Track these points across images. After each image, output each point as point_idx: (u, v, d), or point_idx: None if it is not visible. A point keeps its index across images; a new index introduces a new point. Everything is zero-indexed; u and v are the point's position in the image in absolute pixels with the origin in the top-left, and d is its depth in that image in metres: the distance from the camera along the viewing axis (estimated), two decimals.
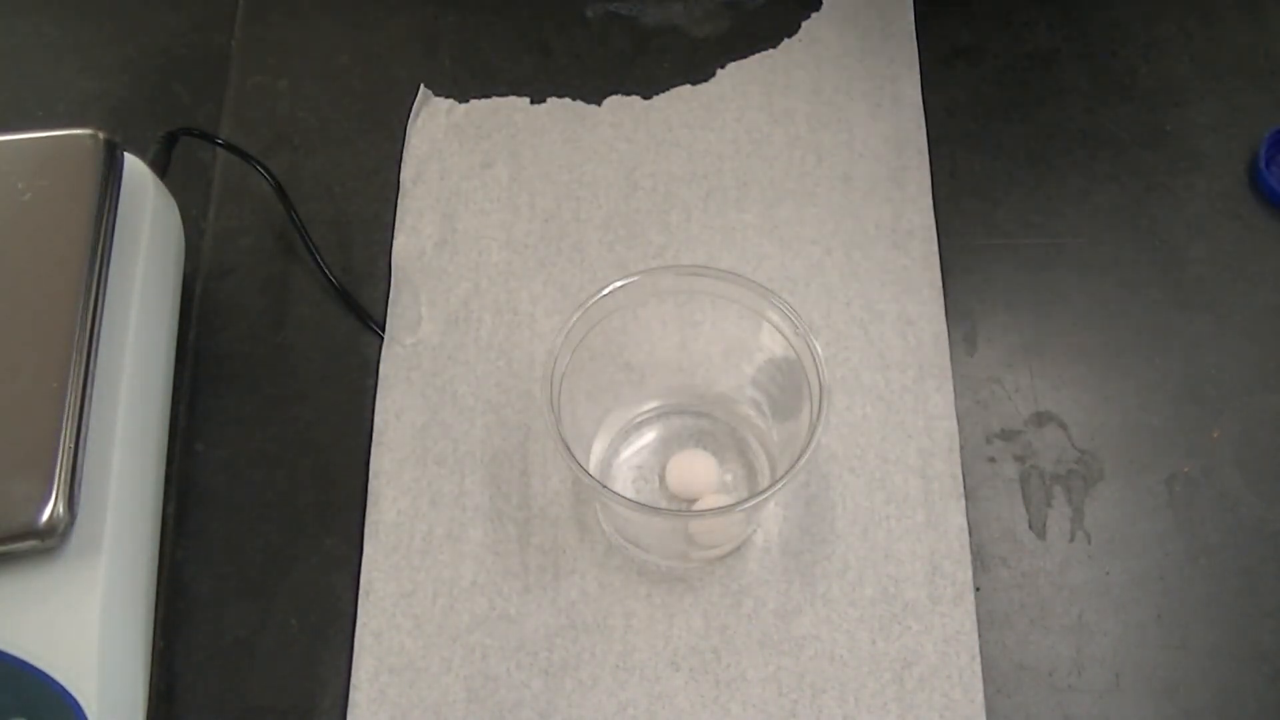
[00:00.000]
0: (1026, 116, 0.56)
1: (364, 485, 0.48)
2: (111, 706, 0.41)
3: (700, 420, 0.49)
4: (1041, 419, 0.49)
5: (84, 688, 0.40)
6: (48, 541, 0.39)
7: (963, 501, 0.47)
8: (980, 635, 0.45)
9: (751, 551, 0.47)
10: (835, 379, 0.50)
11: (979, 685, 0.44)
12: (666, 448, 0.48)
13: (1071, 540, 0.47)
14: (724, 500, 0.46)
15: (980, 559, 0.47)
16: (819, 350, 0.40)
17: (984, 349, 0.51)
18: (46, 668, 0.39)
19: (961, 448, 0.48)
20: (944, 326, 0.51)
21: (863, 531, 0.47)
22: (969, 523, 0.47)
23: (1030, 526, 0.47)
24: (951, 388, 0.50)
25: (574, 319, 0.41)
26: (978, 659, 0.45)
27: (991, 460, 0.49)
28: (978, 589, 0.46)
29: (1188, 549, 0.47)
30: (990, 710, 0.44)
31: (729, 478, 0.47)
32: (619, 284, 0.41)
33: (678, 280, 0.42)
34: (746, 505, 0.40)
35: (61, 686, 0.39)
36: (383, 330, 0.51)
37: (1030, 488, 0.48)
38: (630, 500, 0.38)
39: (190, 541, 0.48)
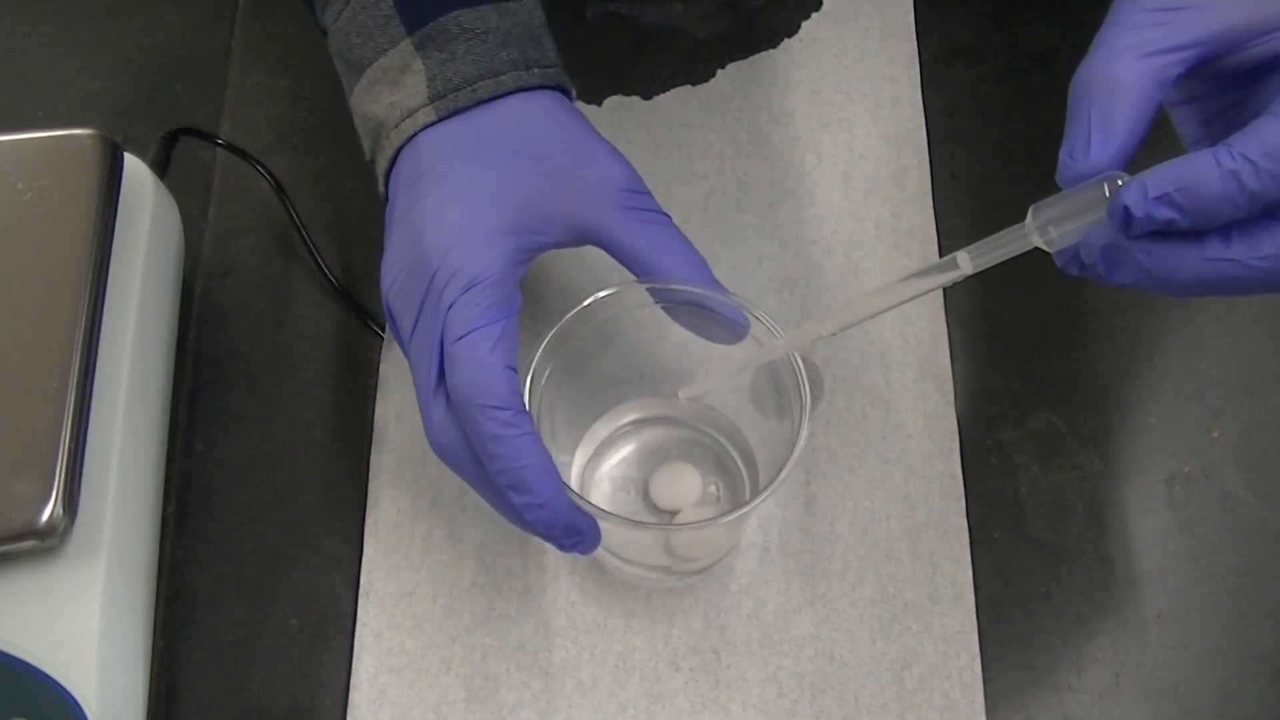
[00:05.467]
0: (1026, 116, 0.56)
1: (364, 485, 0.48)
2: (111, 706, 0.41)
3: (683, 431, 0.48)
4: (1041, 419, 0.49)
5: (84, 688, 0.40)
6: (48, 541, 0.39)
7: (963, 501, 0.47)
8: (980, 635, 0.45)
9: (751, 551, 0.47)
10: (835, 379, 0.50)
11: (979, 685, 0.44)
12: (649, 459, 0.48)
13: (1071, 540, 0.47)
14: (706, 513, 0.46)
15: (980, 558, 0.47)
16: (801, 364, 0.40)
17: (983, 349, 0.51)
18: (46, 668, 0.39)
19: (961, 448, 0.48)
20: (944, 326, 0.51)
21: (863, 531, 0.47)
22: (969, 523, 0.47)
23: (1030, 527, 0.47)
24: (951, 388, 0.50)
25: (551, 333, 0.40)
26: (978, 659, 0.45)
27: (991, 460, 0.49)
28: (978, 589, 0.46)
29: (1188, 549, 0.47)
30: (990, 710, 0.44)
31: (712, 489, 0.47)
32: (602, 294, 0.41)
33: (654, 294, 0.42)
34: (727, 519, 0.39)
35: (61, 686, 0.39)
36: (383, 330, 0.51)
37: (1030, 488, 0.48)
38: (609, 513, 0.38)
39: (190, 541, 0.48)
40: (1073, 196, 0.33)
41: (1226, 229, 0.31)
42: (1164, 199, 0.31)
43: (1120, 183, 0.32)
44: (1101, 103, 0.33)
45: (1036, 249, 0.35)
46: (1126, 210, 0.31)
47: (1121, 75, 0.33)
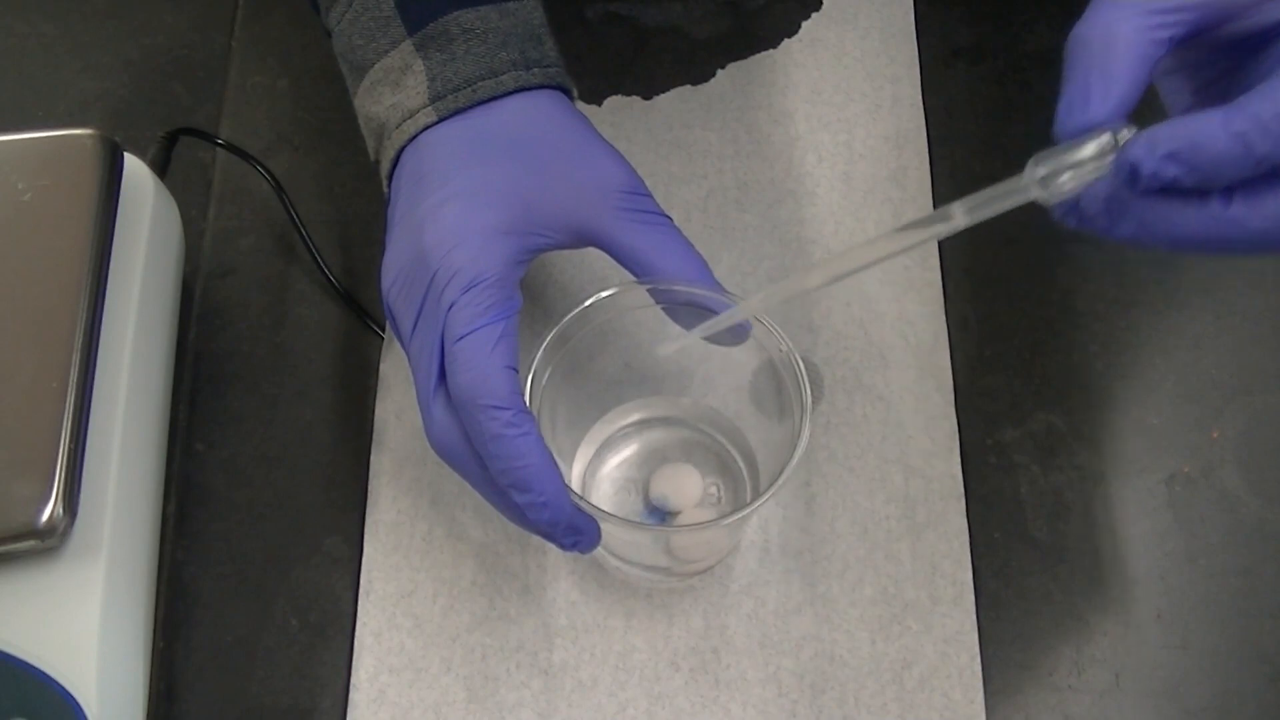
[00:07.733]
0: (1026, 116, 0.56)
1: (364, 485, 0.48)
2: (111, 706, 0.41)
3: (684, 432, 0.48)
4: (1041, 419, 0.49)
5: (84, 688, 0.40)
6: (48, 541, 0.39)
7: (963, 502, 0.47)
8: (980, 635, 0.45)
9: (751, 551, 0.47)
10: (835, 379, 0.50)
11: (979, 685, 0.44)
12: (650, 460, 0.48)
13: (1071, 540, 0.47)
14: (707, 514, 0.46)
15: (980, 559, 0.47)
16: (802, 366, 0.40)
17: (983, 349, 0.51)
18: (46, 668, 0.39)
19: (961, 448, 0.48)
20: (944, 326, 0.51)
21: (863, 531, 0.47)
22: (969, 523, 0.47)
23: (1030, 527, 0.47)
24: (951, 388, 0.50)
25: (551, 333, 0.40)
26: (978, 659, 0.45)
27: (991, 460, 0.49)
28: (978, 589, 0.46)
29: (1188, 549, 0.47)
30: (990, 710, 0.44)
31: (713, 490, 0.47)
32: (603, 295, 0.40)
33: (653, 295, 0.42)
34: (727, 521, 0.39)
35: (61, 686, 0.39)
36: (383, 330, 0.51)
37: (1030, 488, 0.48)
38: (610, 514, 0.38)
39: (190, 541, 0.48)
40: (1075, 148, 0.32)
41: (1228, 189, 0.31)
42: (1171, 156, 0.30)
43: (1126, 133, 0.31)
44: (1100, 57, 0.33)
45: (1032, 204, 0.34)
46: (1134, 165, 0.31)
47: (1120, 31, 0.33)
